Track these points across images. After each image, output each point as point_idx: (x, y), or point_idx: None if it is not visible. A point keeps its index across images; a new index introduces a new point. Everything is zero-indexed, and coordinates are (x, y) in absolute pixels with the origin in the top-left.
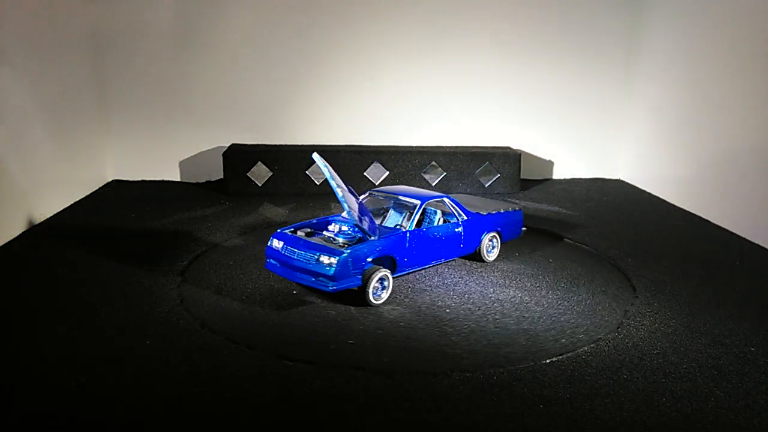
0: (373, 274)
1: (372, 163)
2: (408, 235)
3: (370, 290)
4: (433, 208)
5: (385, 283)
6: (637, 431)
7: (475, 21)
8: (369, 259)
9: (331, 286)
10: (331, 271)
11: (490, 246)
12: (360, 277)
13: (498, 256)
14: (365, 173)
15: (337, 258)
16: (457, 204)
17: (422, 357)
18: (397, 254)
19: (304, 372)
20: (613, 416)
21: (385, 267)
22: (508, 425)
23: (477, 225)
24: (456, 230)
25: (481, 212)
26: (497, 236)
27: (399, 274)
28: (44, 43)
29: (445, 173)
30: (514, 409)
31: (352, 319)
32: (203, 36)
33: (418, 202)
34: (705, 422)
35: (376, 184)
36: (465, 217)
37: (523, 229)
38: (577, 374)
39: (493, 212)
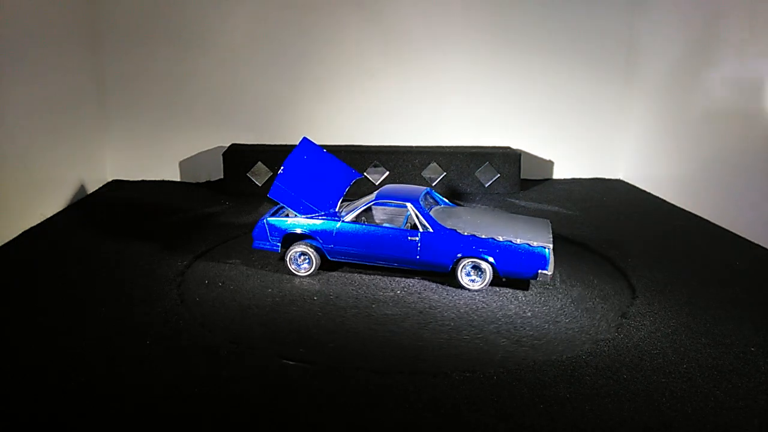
0: (293, 246)
1: (372, 163)
2: (338, 224)
3: (287, 258)
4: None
5: (308, 258)
6: (637, 431)
7: (476, 21)
8: (294, 231)
9: (253, 244)
10: (252, 232)
11: (474, 273)
12: (278, 244)
13: None
14: (365, 173)
15: (258, 222)
16: (424, 214)
17: (422, 357)
18: (321, 238)
19: (304, 372)
20: (613, 416)
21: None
22: (508, 425)
23: (446, 242)
24: (409, 238)
25: (478, 233)
26: (488, 266)
27: (338, 259)
28: (44, 43)
29: (445, 173)
30: (514, 409)
31: (353, 320)
32: (203, 36)
33: (372, 197)
34: (705, 422)
35: (376, 184)
36: (429, 229)
37: (545, 272)
38: (577, 374)
39: (491, 237)
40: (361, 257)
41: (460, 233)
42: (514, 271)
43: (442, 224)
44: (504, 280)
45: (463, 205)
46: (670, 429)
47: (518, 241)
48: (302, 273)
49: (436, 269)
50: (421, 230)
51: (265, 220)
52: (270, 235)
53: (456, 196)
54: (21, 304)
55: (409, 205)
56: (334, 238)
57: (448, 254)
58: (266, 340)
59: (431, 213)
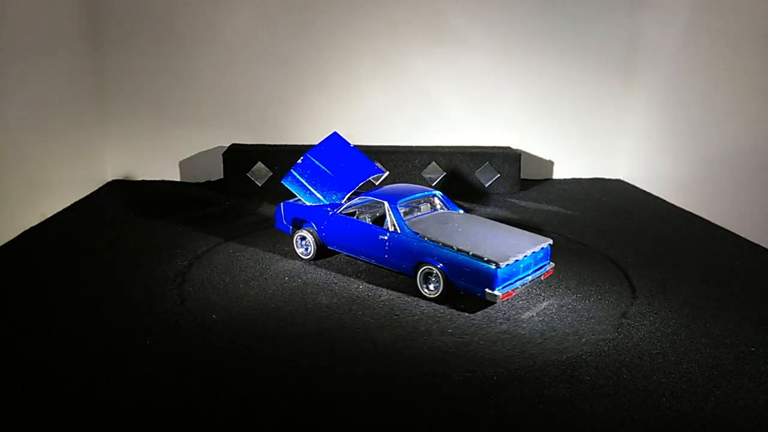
0: (299, 229)
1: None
2: (330, 212)
3: (293, 240)
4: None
5: (308, 243)
6: (637, 431)
7: (476, 21)
8: (298, 216)
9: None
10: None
11: (434, 280)
12: (290, 227)
13: None
14: None
15: (278, 205)
16: (396, 215)
17: (422, 357)
18: (316, 225)
19: (304, 372)
20: (613, 416)
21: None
22: (508, 425)
23: (408, 245)
24: (380, 237)
25: (440, 240)
26: (441, 275)
27: (332, 248)
28: (44, 43)
29: (445, 173)
30: (514, 409)
31: (353, 320)
32: (204, 36)
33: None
34: (705, 422)
35: (376, 184)
36: (397, 230)
37: (491, 293)
38: (577, 374)
39: (448, 246)
40: (345, 249)
41: (420, 238)
42: (463, 284)
43: (411, 227)
44: (462, 293)
45: (469, 212)
46: (670, 429)
47: (471, 254)
48: (304, 256)
49: (401, 271)
50: (390, 230)
51: (282, 203)
52: (284, 217)
53: (456, 196)
54: (21, 304)
55: (385, 204)
56: (325, 227)
57: (409, 257)
58: (266, 340)
59: (424, 216)
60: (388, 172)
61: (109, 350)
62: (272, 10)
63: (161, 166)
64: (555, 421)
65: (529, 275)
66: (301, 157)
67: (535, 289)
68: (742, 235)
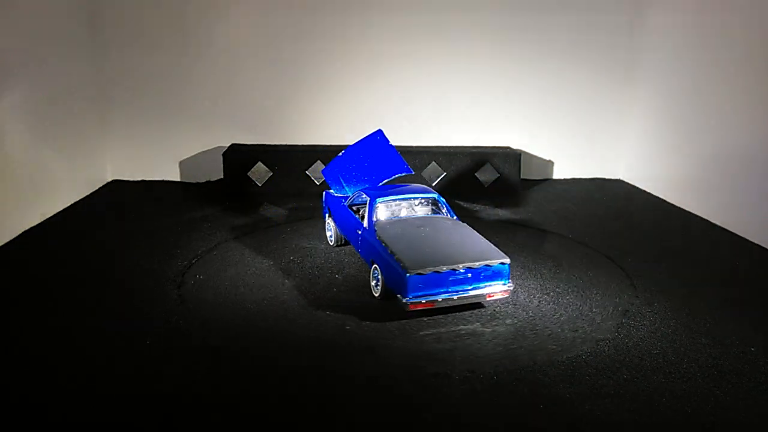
0: (330, 218)
1: None
2: (341, 201)
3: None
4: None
5: (331, 231)
6: (637, 431)
7: (476, 21)
8: (329, 206)
9: None
10: None
11: (375, 277)
12: (326, 215)
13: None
14: None
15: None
16: (370, 211)
17: (422, 357)
18: (333, 213)
19: (303, 372)
20: (613, 416)
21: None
22: (508, 425)
23: (368, 243)
24: (357, 231)
25: (389, 239)
26: (380, 274)
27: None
28: (44, 43)
29: (445, 173)
30: (514, 409)
31: (353, 320)
32: (203, 36)
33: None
34: (705, 422)
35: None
36: (366, 226)
37: (402, 300)
38: (577, 374)
39: (388, 246)
40: (341, 230)
41: (375, 235)
42: (391, 287)
43: (387, 226)
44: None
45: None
46: (670, 429)
47: (396, 257)
48: (330, 243)
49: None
50: (363, 225)
51: (324, 192)
52: (324, 203)
53: (456, 196)
54: (21, 304)
55: (368, 199)
56: (335, 217)
57: (368, 253)
58: (266, 341)
59: (408, 218)
60: (414, 172)
61: (109, 350)
62: (272, 11)
63: (161, 166)
64: (555, 421)
65: (462, 291)
66: (343, 150)
67: (535, 289)
68: (742, 235)
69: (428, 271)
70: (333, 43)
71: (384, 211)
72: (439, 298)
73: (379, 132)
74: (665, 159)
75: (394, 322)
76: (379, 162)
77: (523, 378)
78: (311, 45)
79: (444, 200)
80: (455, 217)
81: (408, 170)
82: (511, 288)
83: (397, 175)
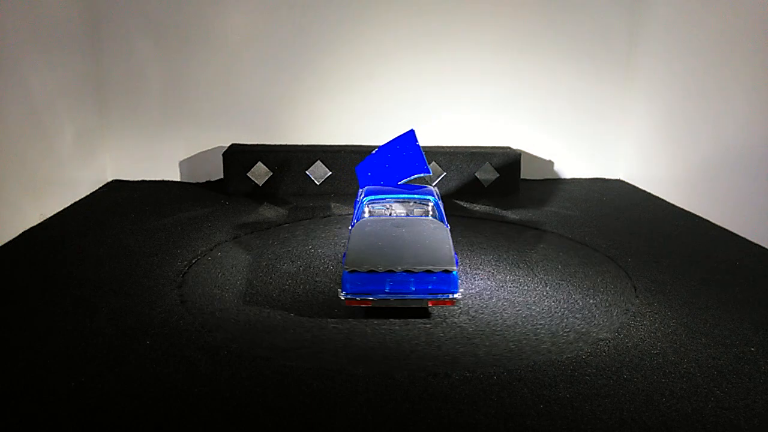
0: None
1: None
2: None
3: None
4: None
5: None
6: (637, 431)
7: (476, 21)
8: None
9: None
10: None
11: None
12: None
13: (494, 253)
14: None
15: None
16: (359, 209)
17: (422, 357)
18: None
19: (303, 372)
20: (613, 416)
21: None
22: (508, 425)
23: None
24: (349, 227)
25: (356, 238)
26: None
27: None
28: (43, 43)
29: (445, 173)
30: (514, 409)
31: (353, 320)
32: (203, 35)
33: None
34: (705, 422)
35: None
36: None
37: (341, 296)
38: (577, 374)
39: (349, 240)
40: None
41: (350, 232)
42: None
43: (370, 224)
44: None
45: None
46: (670, 429)
47: (346, 253)
48: None
49: None
50: (353, 222)
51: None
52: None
53: (456, 196)
54: (21, 304)
55: (362, 197)
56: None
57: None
58: (266, 341)
59: (394, 217)
60: (431, 174)
61: (109, 350)
62: (272, 10)
63: (161, 166)
64: (555, 421)
65: (401, 294)
66: (376, 149)
67: (535, 289)
68: (742, 235)
69: (365, 269)
70: (333, 42)
71: (372, 209)
72: (376, 297)
73: (411, 132)
74: (665, 159)
75: (395, 323)
76: (403, 161)
77: (523, 378)
78: (311, 45)
79: (440, 203)
80: (444, 222)
81: (426, 171)
82: (458, 298)
83: (416, 176)
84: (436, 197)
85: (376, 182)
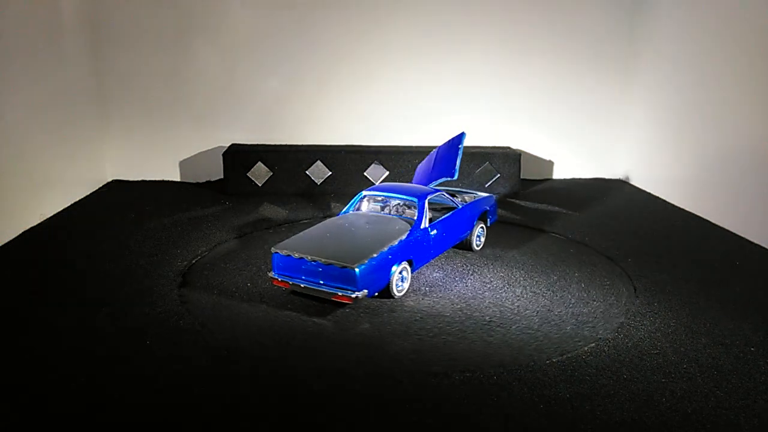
0: None
1: (372, 163)
2: None
3: None
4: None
5: None
6: (637, 431)
7: (476, 21)
8: None
9: None
10: None
11: None
12: None
13: (493, 253)
14: (365, 173)
15: None
16: (353, 202)
17: (422, 357)
18: None
19: (304, 372)
20: (613, 416)
21: None
22: (508, 425)
23: None
24: None
25: (320, 229)
26: None
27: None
28: (43, 43)
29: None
30: (514, 409)
31: (352, 320)
32: (203, 35)
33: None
34: (705, 422)
35: (376, 183)
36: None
37: (269, 274)
38: (577, 374)
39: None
40: None
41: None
42: None
43: (355, 219)
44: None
45: (417, 226)
46: (670, 429)
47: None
48: None
49: None
50: None
51: None
52: None
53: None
54: (21, 304)
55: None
56: None
57: None
58: (266, 341)
59: (378, 214)
60: (455, 178)
61: (109, 350)
62: (272, 10)
63: (161, 166)
64: (555, 421)
65: (313, 283)
66: (435, 150)
67: (535, 289)
68: (742, 235)
69: (286, 254)
70: (333, 43)
71: (365, 204)
72: (292, 282)
73: (461, 135)
74: (665, 159)
75: (395, 323)
76: (439, 164)
77: (523, 378)
78: (311, 45)
79: (425, 206)
80: (420, 225)
81: (451, 175)
82: (356, 296)
83: (443, 179)
84: (452, 199)
85: (419, 181)
